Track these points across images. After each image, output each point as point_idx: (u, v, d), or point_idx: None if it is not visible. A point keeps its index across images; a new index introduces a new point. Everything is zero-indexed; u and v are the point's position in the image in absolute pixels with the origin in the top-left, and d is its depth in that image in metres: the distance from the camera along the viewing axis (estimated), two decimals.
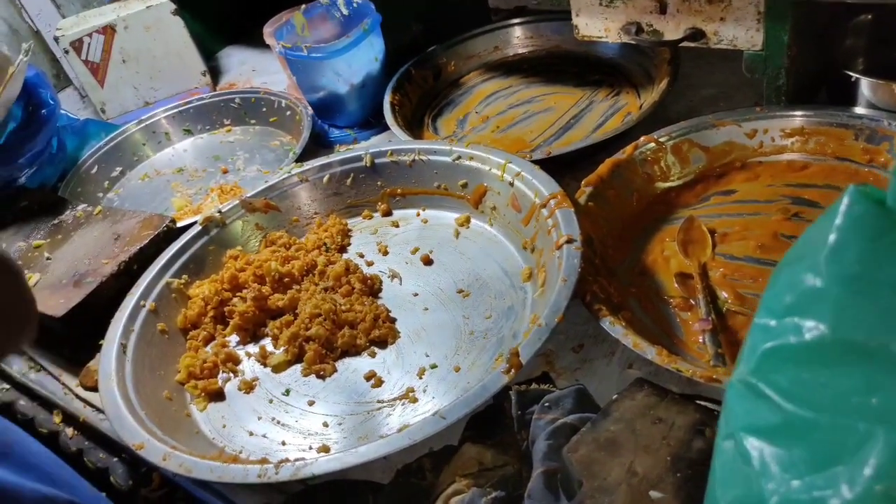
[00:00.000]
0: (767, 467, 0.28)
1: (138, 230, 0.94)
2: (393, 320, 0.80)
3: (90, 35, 1.32)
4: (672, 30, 0.86)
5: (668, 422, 0.52)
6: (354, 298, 0.82)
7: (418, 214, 0.94)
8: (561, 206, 0.76)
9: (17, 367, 0.90)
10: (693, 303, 0.71)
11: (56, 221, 1.03)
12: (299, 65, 1.10)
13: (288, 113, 1.20)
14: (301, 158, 1.04)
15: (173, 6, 1.34)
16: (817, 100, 0.89)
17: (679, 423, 0.52)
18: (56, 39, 1.33)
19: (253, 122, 1.27)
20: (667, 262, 0.76)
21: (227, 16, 1.59)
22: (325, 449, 0.68)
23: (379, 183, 0.95)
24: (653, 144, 0.84)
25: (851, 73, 0.82)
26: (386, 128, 1.08)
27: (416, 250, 0.88)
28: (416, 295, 0.83)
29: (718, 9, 0.81)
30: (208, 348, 0.83)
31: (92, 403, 0.82)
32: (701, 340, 0.67)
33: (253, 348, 0.82)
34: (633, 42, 0.89)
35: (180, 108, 1.30)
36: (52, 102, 1.09)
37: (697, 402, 0.54)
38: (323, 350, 0.78)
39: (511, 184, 0.84)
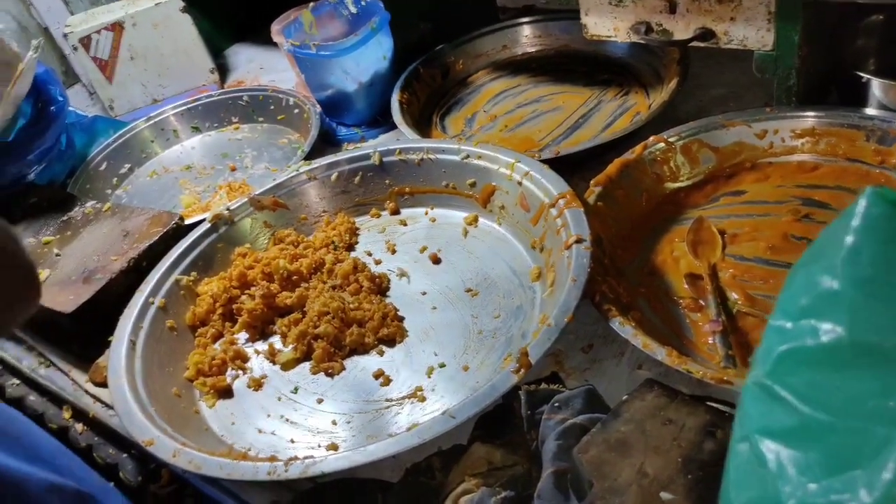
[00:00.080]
0: (784, 470, 0.28)
1: (147, 227, 0.94)
2: (401, 319, 0.80)
3: (99, 32, 1.32)
4: (682, 29, 0.85)
5: (678, 423, 0.52)
6: (362, 297, 0.82)
7: (426, 213, 0.94)
8: (570, 206, 0.76)
9: (26, 362, 0.91)
10: (702, 304, 0.71)
11: (65, 218, 1.03)
12: (308, 63, 1.10)
13: (296, 111, 1.20)
14: (309, 156, 1.04)
15: (182, 3, 1.34)
16: (828, 101, 0.89)
17: (689, 424, 0.52)
18: (65, 36, 1.33)
19: (261, 119, 1.28)
20: (676, 262, 0.76)
21: (235, 13, 1.60)
22: (333, 447, 0.68)
23: (387, 181, 0.96)
24: (662, 144, 0.84)
25: (862, 74, 0.82)
26: (393, 126, 1.08)
27: (424, 249, 0.89)
28: (424, 294, 0.83)
29: (728, 8, 0.80)
30: (217, 345, 0.83)
31: (101, 399, 0.82)
32: (711, 342, 0.67)
33: (261, 346, 0.83)
34: (642, 42, 0.89)
35: (188, 106, 1.30)
36: (61, 99, 1.10)
37: (708, 403, 0.54)
38: (331, 348, 0.78)
39: (520, 183, 0.84)
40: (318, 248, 0.90)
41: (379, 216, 0.96)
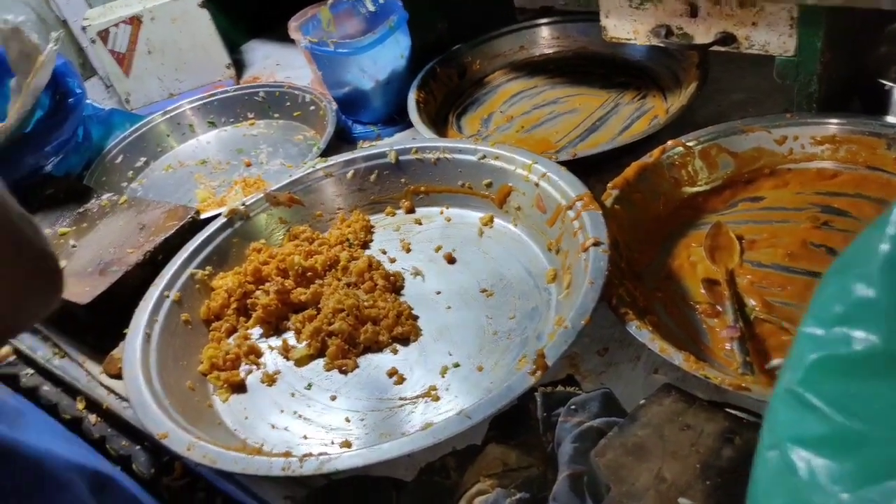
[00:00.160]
0: (815, 478, 0.28)
1: (163, 220, 0.94)
2: (415, 318, 0.80)
3: (117, 25, 1.33)
4: (702, 33, 0.85)
5: (696, 429, 0.52)
6: (377, 295, 0.82)
7: (442, 212, 0.94)
8: (588, 209, 0.76)
9: (41, 352, 0.91)
10: (719, 309, 0.71)
11: (81, 210, 1.03)
12: (325, 60, 1.10)
13: (312, 108, 1.21)
14: (325, 153, 1.04)
15: None
16: (849, 108, 0.88)
17: (708, 430, 0.51)
18: (83, 29, 1.34)
19: (276, 115, 1.28)
20: (693, 267, 0.76)
21: (252, 9, 1.60)
22: (346, 444, 0.68)
23: (403, 180, 0.96)
24: (680, 148, 0.83)
25: (885, 82, 0.81)
26: (409, 125, 1.08)
27: (439, 248, 0.88)
28: (438, 293, 0.83)
29: (750, 13, 0.80)
30: (231, 340, 0.83)
31: (115, 391, 0.82)
32: (728, 347, 0.66)
33: (275, 341, 0.83)
34: (662, 45, 0.89)
35: (205, 101, 1.31)
36: (79, 91, 1.10)
37: (726, 410, 0.53)
38: (345, 345, 0.78)
39: (536, 184, 0.84)
40: (333, 246, 0.91)
41: (394, 214, 0.96)
